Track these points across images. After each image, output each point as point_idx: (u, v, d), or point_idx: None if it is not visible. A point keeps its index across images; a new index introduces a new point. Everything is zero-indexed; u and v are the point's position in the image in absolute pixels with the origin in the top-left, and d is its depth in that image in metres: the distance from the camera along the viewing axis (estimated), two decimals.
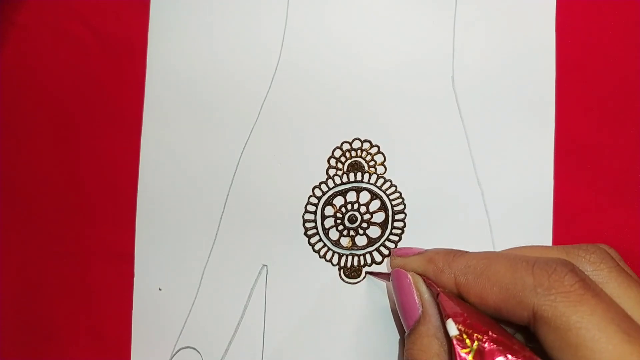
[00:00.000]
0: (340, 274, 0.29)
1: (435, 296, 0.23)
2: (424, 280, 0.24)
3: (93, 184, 0.30)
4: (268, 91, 0.30)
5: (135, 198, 0.30)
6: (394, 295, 0.25)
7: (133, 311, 0.30)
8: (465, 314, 0.21)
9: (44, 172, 0.31)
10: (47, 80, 0.31)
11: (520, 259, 0.21)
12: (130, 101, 0.31)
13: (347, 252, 0.29)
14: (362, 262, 0.29)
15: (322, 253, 0.29)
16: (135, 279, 0.30)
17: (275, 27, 0.30)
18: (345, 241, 0.29)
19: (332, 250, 0.29)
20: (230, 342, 0.29)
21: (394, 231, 0.29)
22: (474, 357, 0.19)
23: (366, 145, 0.30)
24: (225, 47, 0.30)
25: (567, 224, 0.29)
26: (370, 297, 0.29)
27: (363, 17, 0.30)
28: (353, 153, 0.30)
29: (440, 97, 0.29)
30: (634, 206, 0.29)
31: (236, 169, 0.30)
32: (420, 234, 0.29)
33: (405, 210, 0.29)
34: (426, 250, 0.26)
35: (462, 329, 0.20)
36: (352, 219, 0.29)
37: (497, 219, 0.29)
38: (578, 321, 0.18)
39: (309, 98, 0.30)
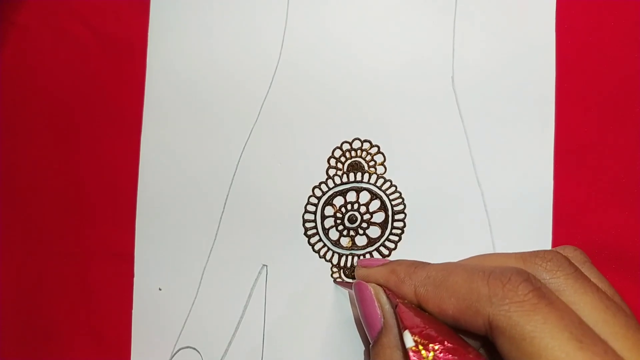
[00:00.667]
0: (340, 274, 0.29)
1: (394, 307, 0.23)
2: (384, 291, 0.24)
3: (93, 184, 0.30)
4: (268, 91, 0.30)
5: (135, 198, 0.30)
6: (357, 306, 0.25)
7: (133, 311, 0.30)
8: (423, 324, 0.21)
9: (44, 172, 0.31)
10: (47, 80, 0.31)
11: (477, 269, 0.21)
12: (130, 101, 0.31)
13: (347, 252, 0.29)
14: None
15: (322, 253, 0.29)
16: (135, 279, 0.30)
17: (275, 27, 0.30)
18: (345, 241, 0.29)
19: (332, 250, 0.29)
20: (230, 342, 0.29)
21: (394, 231, 0.29)
22: None
23: (366, 145, 0.30)
24: (225, 47, 0.30)
25: (567, 223, 0.29)
26: None
27: (363, 17, 0.30)
28: (353, 153, 0.30)
29: (440, 97, 0.29)
30: (634, 206, 0.29)
31: (236, 169, 0.30)
32: (420, 234, 0.29)
33: (405, 210, 0.29)
34: (390, 262, 0.26)
35: (418, 339, 0.20)
36: (352, 219, 0.29)
37: (497, 219, 0.29)
38: (532, 330, 0.18)
39: (309, 98, 0.30)
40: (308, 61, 0.30)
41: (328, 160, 0.30)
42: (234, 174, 0.30)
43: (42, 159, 0.31)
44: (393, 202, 0.29)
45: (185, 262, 0.30)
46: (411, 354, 0.20)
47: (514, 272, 0.20)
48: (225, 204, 0.30)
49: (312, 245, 0.29)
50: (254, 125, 0.30)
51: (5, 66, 0.31)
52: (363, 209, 0.29)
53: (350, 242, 0.29)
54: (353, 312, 0.29)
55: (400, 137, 0.29)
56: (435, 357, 0.20)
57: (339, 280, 0.29)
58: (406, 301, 0.23)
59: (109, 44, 0.31)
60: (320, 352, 0.29)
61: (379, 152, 0.30)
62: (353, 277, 0.29)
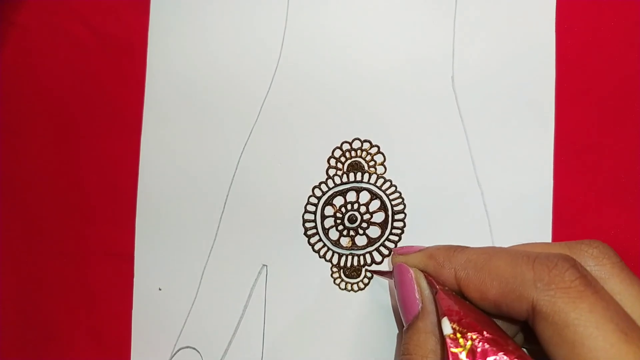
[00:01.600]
0: (340, 274, 0.29)
1: (434, 294, 0.23)
2: (425, 277, 0.24)
3: (93, 184, 0.30)
4: (268, 91, 0.30)
5: (135, 198, 0.30)
6: (395, 290, 0.25)
7: (133, 311, 0.30)
8: (462, 313, 0.21)
9: (44, 172, 0.31)
10: (47, 80, 0.31)
11: (521, 254, 0.21)
12: (130, 101, 0.31)
13: (347, 252, 0.29)
14: (362, 262, 0.29)
15: (321, 253, 0.29)
16: (135, 279, 0.30)
17: (275, 27, 0.30)
18: (345, 241, 0.29)
19: (331, 250, 0.29)
20: (230, 342, 0.29)
21: (394, 231, 0.29)
22: (466, 356, 0.19)
23: (366, 145, 0.30)
24: (225, 47, 0.30)
25: (567, 223, 0.29)
26: (369, 296, 0.29)
27: (363, 17, 0.30)
28: (353, 153, 0.30)
29: (440, 97, 0.29)
30: (634, 206, 0.29)
31: (236, 169, 0.30)
32: (420, 234, 0.29)
33: (405, 210, 0.29)
34: (427, 247, 0.26)
35: (457, 327, 0.20)
36: (352, 219, 0.29)
37: (497, 218, 0.29)
38: (576, 318, 0.18)
39: (309, 98, 0.30)
40: (308, 61, 0.30)
41: (328, 160, 0.30)
42: (234, 174, 0.30)
43: (42, 159, 0.31)
44: (393, 202, 0.29)
45: (185, 262, 0.30)
46: (449, 341, 0.20)
47: (560, 258, 0.20)
48: (225, 203, 0.30)
49: (312, 245, 0.29)
50: (254, 125, 0.30)
51: (5, 66, 0.31)
52: (363, 209, 0.29)
53: (350, 242, 0.29)
54: (390, 300, 0.29)
55: (400, 137, 0.29)
56: (473, 347, 0.20)
57: (374, 270, 0.29)
58: (446, 288, 0.23)
59: (109, 44, 0.31)
60: (320, 352, 0.29)
61: (379, 152, 0.30)
62: (352, 277, 0.29)
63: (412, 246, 0.27)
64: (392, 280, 0.26)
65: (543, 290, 0.19)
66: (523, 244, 0.24)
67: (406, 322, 0.24)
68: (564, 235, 0.29)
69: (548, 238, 0.29)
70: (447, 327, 0.20)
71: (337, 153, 0.30)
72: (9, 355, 0.31)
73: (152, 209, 0.30)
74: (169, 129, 0.30)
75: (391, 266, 0.27)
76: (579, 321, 0.18)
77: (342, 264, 0.29)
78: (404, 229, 0.29)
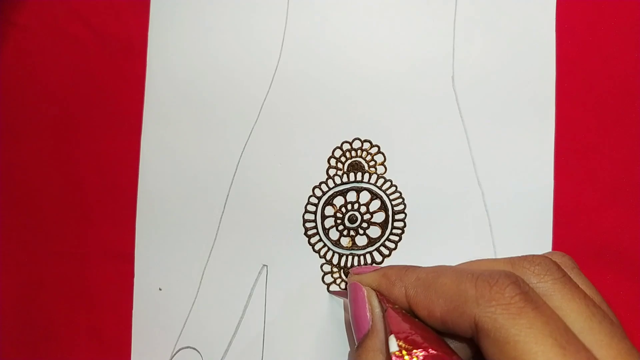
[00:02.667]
0: (340, 274, 0.29)
1: (384, 311, 0.23)
2: (377, 296, 0.24)
3: (93, 184, 0.30)
4: (268, 91, 0.30)
5: (135, 198, 0.30)
6: (349, 307, 0.26)
7: (133, 311, 0.30)
8: (409, 330, 0.21)
9: (44, 172, 0.31)
10: (47, 80, 0.31)
11: (465, 272, 0.21)
12: (130, 101, 0.31)
13: (348, 252, 0.29)
14: (362, 262, 0.29)
15: (322, 253, 0.29)
16: (135, 279, 0.30)
17: (275, 27, 0.30)
18: (345, 241, 0.29)
19: (332, 250, 0.29)
20: (230, 342, 0.29)
21: (394, 231, 0.29)
22: None
23: (366, 145, 0.30)
24: (225, 47, 0.30)
25: (567, 224, 0.29)
26: None
27: (363, 17, 0.30)
28: (353, 153, 0.30)
29: (441, 96, 0.29)
30: (634, 206, 0.29)
31: (236, 169, 0.30)
32: (420, 234, 0.29)
33: (405, 210, 0.29)
34: (382, 267, 0.26)
35: (403, 345, 0.20)
36: (352, 219, 0.29)
37: (497, 219, 0.29)
38: (516, 334, 0.18)
39: (309, 98, 0.30)
40: (308, 61, 0.30)
41: (328, 160, 0.30)
42: (234, 174, 0.30)
43: (42, 159, 0.31)
44: (393, 202, 0.29)
45: (185, 262, 0.30)
46: (394, 358, 0.20)
47: (502, 275, 0.20)
48: (225, 204, 0.30)
49: (313, 245, 0.29)
50: (254, 125, 0.30)
51: (5, 66, 0.31)
52: (363, 209, 0.29)
53: (351, 242, 0.29)
54: (345, 316, 0.29)
55: (400, 137, 0.29)
56: None
57: (333, 290, 0.29)
58: (397, 307, 0.23)
59: (109, 44, 0.31)
60: (320, 352, 0.29)
61: (379, 152, 0.30)
62: None
63: (368, 266, 0.28)
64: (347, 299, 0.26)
65: (484, 307, 0.19)
66: (470, 262, 0.24)
67: (357, 340, 0.24)
68: (564, 235, 0.29)
69: (548, 238, 0.29)
70: (394, 345, 0.20)
71: (338, 153, 0.30)
72: (9, 355, 0.30)
73: (152, 209, 0.30)
74: (169, 129, 0.30)
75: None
76: (518, 337, 0.18)
77: (342, 264, 0.29)
78: (404, 228, 0.29)
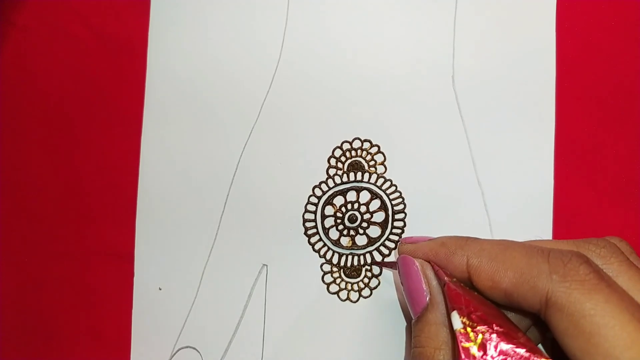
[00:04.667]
0: (340, 274, 0.29)
1: (442, 285, 0.23)
2: (432, 267, 0.24)
3: (93, 184, 0.30)
4: (268, 91, 0.30)
5: (135, 198, 0.30)
6: (401, 282, 0.25)
7: (133, 311, 0.30)
8: (472, 306, 0.21)
9: (45, 172, 0.31)
10: (47, 80, 0.31)
11: (536, 247, 0.21)
12: (130, 101, 0.31)
13: (347, 251, 0.29)
14: (362, 262, 0.29)
15: (322, 253, 0.29)
16: (135, 278, 0.30)
17: (275, 27, 0.30)
18: (345, 241, 0.29)
19: (332, 249, 0.29)
20: (230, 342, 0.29)
21: (394, 231, 0.29)
22: (478, 350, 0.19)
23: (366, 145, 0.30)
24: (225, 47, 0.30)
25: (567, 223, 0.29)
26: (370, 296, 0.29)
27: (363, 17, 0.30)
28: (353, 153, 0.30)
29: (441, 96, 0.29)
30: (634, 206, 0.29)
31: (236, 169, 0.30)
32: (421, 234, 0.29)
33: (405, 210, 0.29)
34: (438, 237, 0.25)
35: (466, 322, 0.20)
36: (352, 219, 0.29)
37: (497, 219, 0.29)
38: (592, 308, 0.18)
39: (309, 98, 0.30)
40: (308, 61, 0.30)
41: (328, 160, 0.30)
42: (234, 174, 0.30)
43: (42, 159, 0.31)
44: (393, 202, 0.29)
45: (185, 262, 0.30)
46: (459, 335, 0.20)
47: (573, 254, 0.20)
48: (225, 203, 0.30)
49: (312, 245, 0.29)
50: (254, 125, 0.30)
51: (5, 66, 0.31)
52: (363, 209, 0.29)
53: (351, 242, 0.29)
54: (397, 295, 0.29)
55: (400, 137, 0.29)
56: (484, 340, 0.20)
57: (378, 261, 0.29)
58: (454, 280, 0.23)
59: (109, 44, 0.31)
60: (320, 352, 0.29)
61: (379, 151, 0.30)
62: (352, 277, 0.29)
63: (421, 236, 0.27)
64: (397, 272, 0.26)
65: (559, 282, 0.20)
66: (532, 241, 0.24)
67: (415, 315, 0.24)
68: (564, 235, 0.29)
69: (548, 238, 0.29)
70: (457, 322, 0.20)
71: (338, 153, 0.30)
72: (9, 355, 0.30)
73: (152, 208, 0.30)
74: (169, 129, 0.30)
75: (397, 256, 0.27)
76: (595, 311, 0.18)
77: (342, 263, 0.29)
78: (404, 228, 0.29)
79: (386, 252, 0.29)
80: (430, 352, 0.22)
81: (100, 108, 0.31)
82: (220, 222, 0.30)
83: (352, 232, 0.29)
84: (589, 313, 0.19)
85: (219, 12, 0.30)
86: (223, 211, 0.30)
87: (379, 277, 0.29)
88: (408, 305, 0.24)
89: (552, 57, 0.29)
